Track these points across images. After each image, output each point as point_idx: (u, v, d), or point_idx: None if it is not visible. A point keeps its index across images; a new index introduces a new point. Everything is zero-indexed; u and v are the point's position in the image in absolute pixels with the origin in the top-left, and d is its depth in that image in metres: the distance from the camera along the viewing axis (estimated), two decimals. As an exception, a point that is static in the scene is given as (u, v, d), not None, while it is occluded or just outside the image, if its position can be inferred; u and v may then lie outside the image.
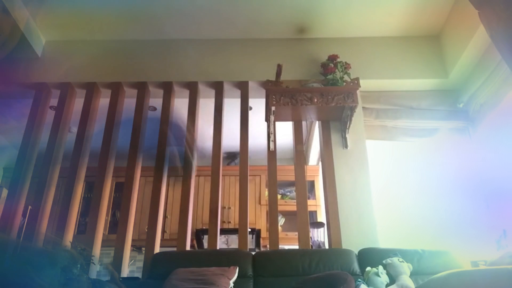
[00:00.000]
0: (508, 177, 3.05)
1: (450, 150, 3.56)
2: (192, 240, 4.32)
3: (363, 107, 3.58)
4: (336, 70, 3.36)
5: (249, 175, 3.37)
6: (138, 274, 4.32)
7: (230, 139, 4.14)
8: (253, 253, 2.90)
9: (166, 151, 3.48)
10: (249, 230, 3.35)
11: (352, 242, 2.95)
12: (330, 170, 3.27)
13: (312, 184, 4.97)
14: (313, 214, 4.74)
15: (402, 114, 3.64)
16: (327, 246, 3.32)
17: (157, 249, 3.15)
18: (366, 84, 3.53)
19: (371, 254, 2.72)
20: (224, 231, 4.51)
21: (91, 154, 3.58)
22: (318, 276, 2.37)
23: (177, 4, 3.52)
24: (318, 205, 4.76)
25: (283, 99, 3.18)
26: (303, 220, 3.15)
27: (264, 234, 4.60)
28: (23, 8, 3.40)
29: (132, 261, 4.76)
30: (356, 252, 2.80)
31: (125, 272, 3.08)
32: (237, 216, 3.82)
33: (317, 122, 3.71)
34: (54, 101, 3.73)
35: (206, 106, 3.77)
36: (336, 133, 3.42)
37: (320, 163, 3.92)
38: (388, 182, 3.63)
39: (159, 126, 3.56)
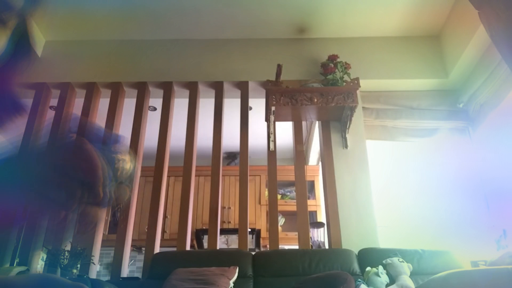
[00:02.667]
0: (508, 177, 3.05)
1: (450, 150, 3.56)
2: (192, 240, 4.32)
3: (363, 107, 3.58)
4: (336, 70, 3.36)
5: (249, 175, 3.37)
6: (138, 274, 4.32)
7: (230, 139, 4.14)
8: (253, 253, 2.90)
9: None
10: (249, 230, 3.35)
11: (352, 242, 2.95)
12: (330, 170, 3.27)
13: (312, 184, 4.97)
14: (313, 214, 4.74)
15: (402, 114, 3.64)
16: (327, 246, 3.32)
17: (157, 249, 3.15)
18: (366, 84, 3.52)
19: (371, 254, 2.72)
20: (224, 231, 4.50)
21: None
22: (318, 276, 2.37)
23: (177, 4, 3.51)
24: (318, 205, 4.76)
25: (283, 99, 3.17)
26: (303, 220, 3.15)
27: (264, 234, 4.60)
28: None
29: (132, 261, 4.76)
30: (356, 252, 2.80)
31: (125, 272, 3.08)
32: (237, 216, 3.81)
33: (317, 122, 3.71)
34: (54, 101, 3.73)
35: (206, 106, 3.77)
36: (336, 133, 3.42)
37: (320, 163, 3.92)
38: (388, 182, 3.63)
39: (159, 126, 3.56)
